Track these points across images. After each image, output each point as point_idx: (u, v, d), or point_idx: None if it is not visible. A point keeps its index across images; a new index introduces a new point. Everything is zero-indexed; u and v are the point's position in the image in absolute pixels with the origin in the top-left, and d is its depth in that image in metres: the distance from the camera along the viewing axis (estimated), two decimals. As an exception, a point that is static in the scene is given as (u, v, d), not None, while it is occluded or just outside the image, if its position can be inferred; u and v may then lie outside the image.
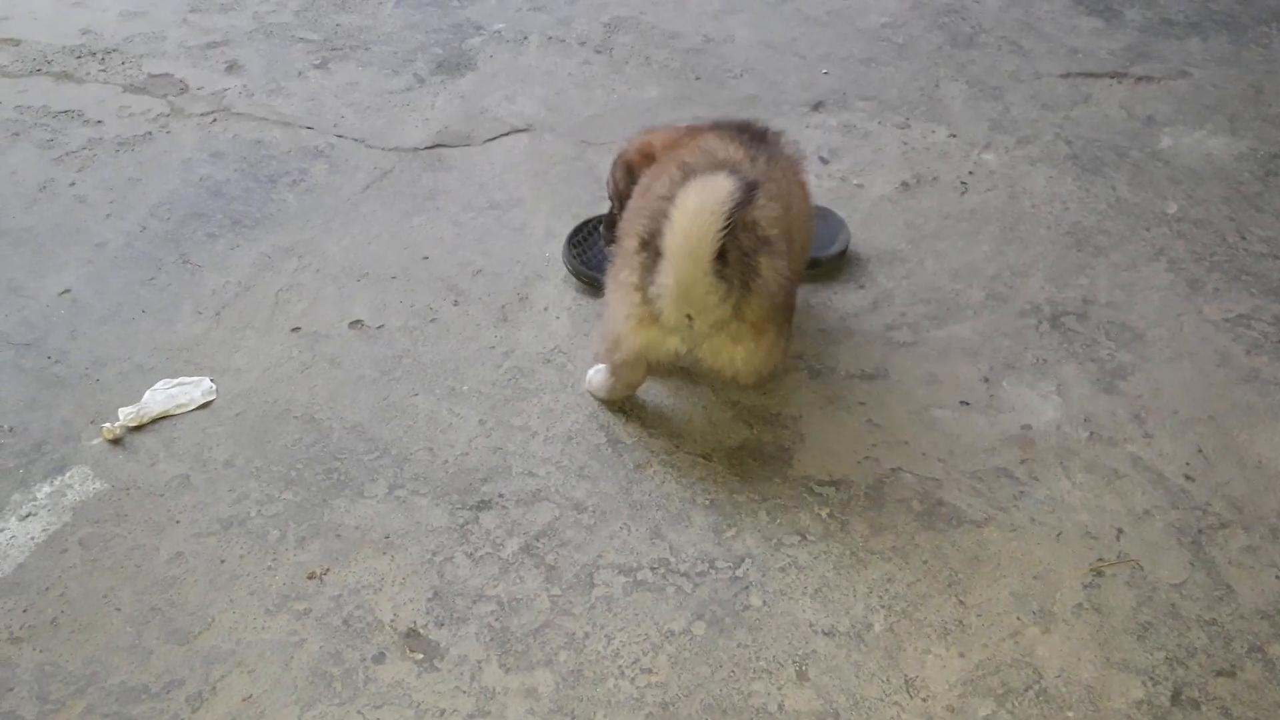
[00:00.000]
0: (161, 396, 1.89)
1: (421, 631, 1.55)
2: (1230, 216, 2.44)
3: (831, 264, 2.22)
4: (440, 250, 2.27)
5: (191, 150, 2.57)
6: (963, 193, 2.51)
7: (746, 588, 1.63)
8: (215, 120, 2.68)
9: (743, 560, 1.67)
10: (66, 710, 1.45)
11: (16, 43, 2.97)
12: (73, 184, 2.45)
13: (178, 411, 1.88)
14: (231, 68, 2.90)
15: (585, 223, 2.27)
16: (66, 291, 2.15)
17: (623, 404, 1.92)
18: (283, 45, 3.00)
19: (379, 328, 2.08)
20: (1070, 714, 1.47)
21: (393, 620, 1.57)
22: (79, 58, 2.92)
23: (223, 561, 1.65)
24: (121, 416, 1.84)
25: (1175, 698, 1.49)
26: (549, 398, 1.94)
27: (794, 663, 1.53)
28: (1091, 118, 2.80)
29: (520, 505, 1.74)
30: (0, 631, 1.55)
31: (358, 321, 2.09)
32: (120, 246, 2.27)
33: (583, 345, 2.03)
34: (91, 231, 2.31)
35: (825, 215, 2.26)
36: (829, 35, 3.14)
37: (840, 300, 2.19)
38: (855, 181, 2.54)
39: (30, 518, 1.70)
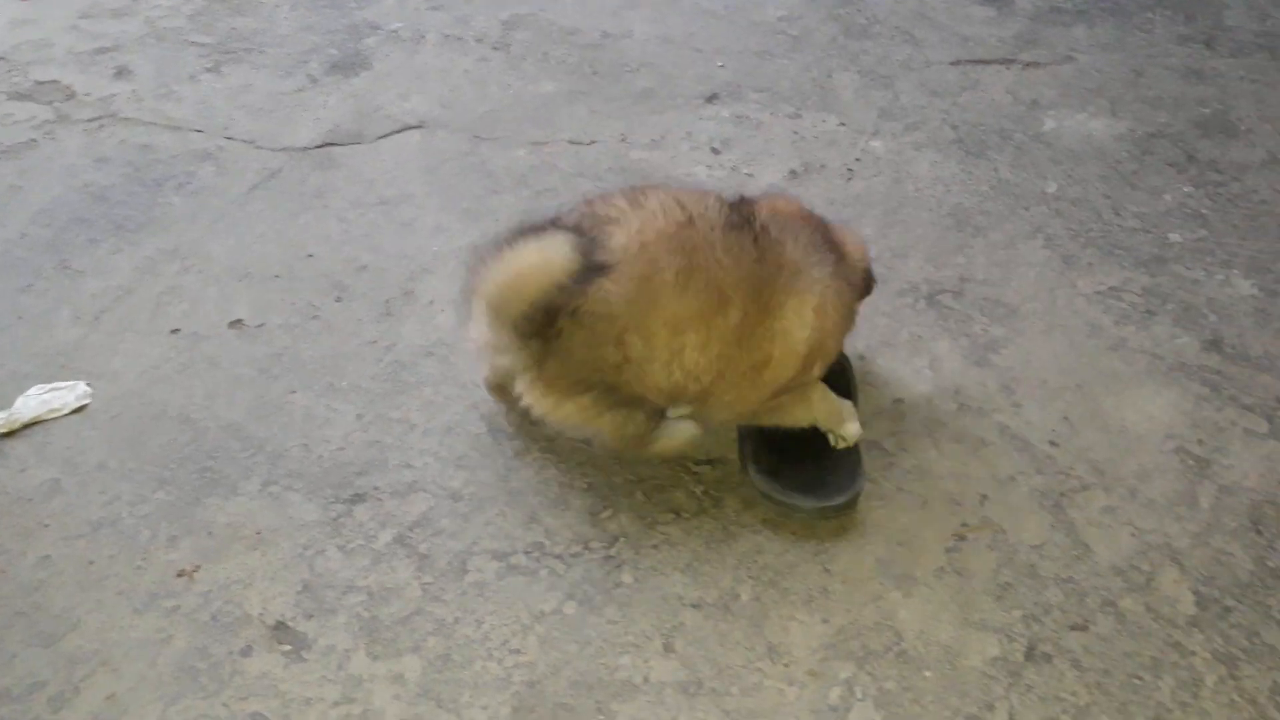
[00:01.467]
0: (34, 402, 1.87)
1: (290, 624, 1.55)
2: (1106, 194, 2.52)
3: (828, 514, 1.72)
4: (325, 248, 2.27)
5: (76, 156, 2.54)
6: (849, 179, 2.56)
7: (619, 566, 1.65)
8: (102, 126, 2.65)
9: (616, 540, 1.69)
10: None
11: (-102, 53, 2.92)
12: (-49, 193, 2.41)
13: (51, 416, 1.86)
14: (121, 73, 2.87)
15: None
16: (-60, 301, 2.12)
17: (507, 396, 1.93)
18: (174, 49, 2.98)
19: (259, 327, 2.07)
20: (928, 673, 1.51)
21: (261, 614, 1.56)
22: (-36, 67, 2.88)
23: (91, 563, 1.63)
24: (-9, 421, 1.82)
25: (1029, 653, 1.54)
26: (430, 390, 1.95)
27: (661, 635, 1.55)
28: (978, 103, 2.87)
29: (395, 497, 1.75)
30: None
31: (238, 321, 2.08)
32: (-2, 254, 2.24)
33: (464, 344, 2.04)
34: (-32, 240, 2.27)
35: (842, 459, 1.77)
36: (726, 29, 3.18)
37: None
38: (745, 171, 2.58)
39: (-109, 529, 1.67)
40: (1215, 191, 2.52)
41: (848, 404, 1.78)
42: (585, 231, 1.51)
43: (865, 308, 2.14)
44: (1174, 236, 2.38)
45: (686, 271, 1.52)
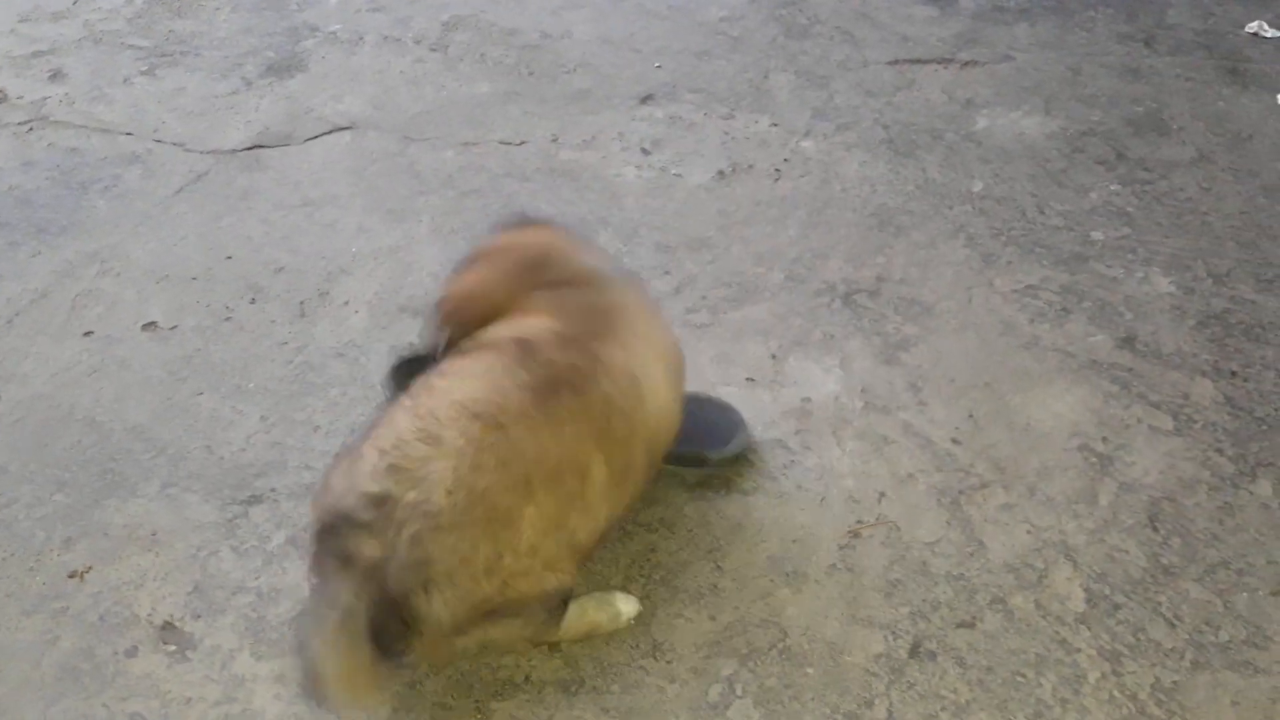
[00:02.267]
0: (-62, 405, 1.87)
1: (177, 624, 1.56)
2: (1033, 192, 2.53)
3: (724, 465, 1.79)
4: (246, 249, 2.27)
5: (3, 160, 2.55)
6: (776, 180, 2.56)
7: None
8: (31, 129, 2.65)
9: (512, 540, 1.70)
10: None
11: None
12: (-126, 197, 2.41)
13: (-46, 419, 1.86)
14: (55, 76, 2.87)
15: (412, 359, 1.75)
16: None
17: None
18: (111, 52, 2.98)
19: (172, 329, 2.07)
20: (810, 670, 1.52)
21: (150, 615, 1.57)
22: (-102, 70, 2.88)
23: (-18, 566, 1.64)
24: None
25: (914, 650, 1.55)
26: (336, 392, 1.95)
27: (546, 635, 1.55)
28: (913, 103, 2.88)
29: (292, 499, 1.75)
30: None
31: (152, 323, 2.08)
32: (-83, 257, 2.24)
33: (379, 339, 2.05)
34: (-112, 243, 2.28)
35: (723, 409, 1.85)
36: (667, 29, 3.19)
37: (647, 286, 2.22)
38: (674, 171, 2.58)
39: None
40: (1142, 189, 2.53)
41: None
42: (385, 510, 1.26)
43: (782, 308, 2.16)
44: (1096, 234, 2.39)
45: (525, 483, 1.31)
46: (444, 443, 1.27)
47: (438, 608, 1.26)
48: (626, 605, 1.58)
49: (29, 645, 1.53)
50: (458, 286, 1.57)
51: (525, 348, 1.38)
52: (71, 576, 1.62)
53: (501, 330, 1.44)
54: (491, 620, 1.33)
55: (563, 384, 1.36)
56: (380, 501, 1.24)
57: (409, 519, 1.23)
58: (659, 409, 1.47)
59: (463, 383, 1.34)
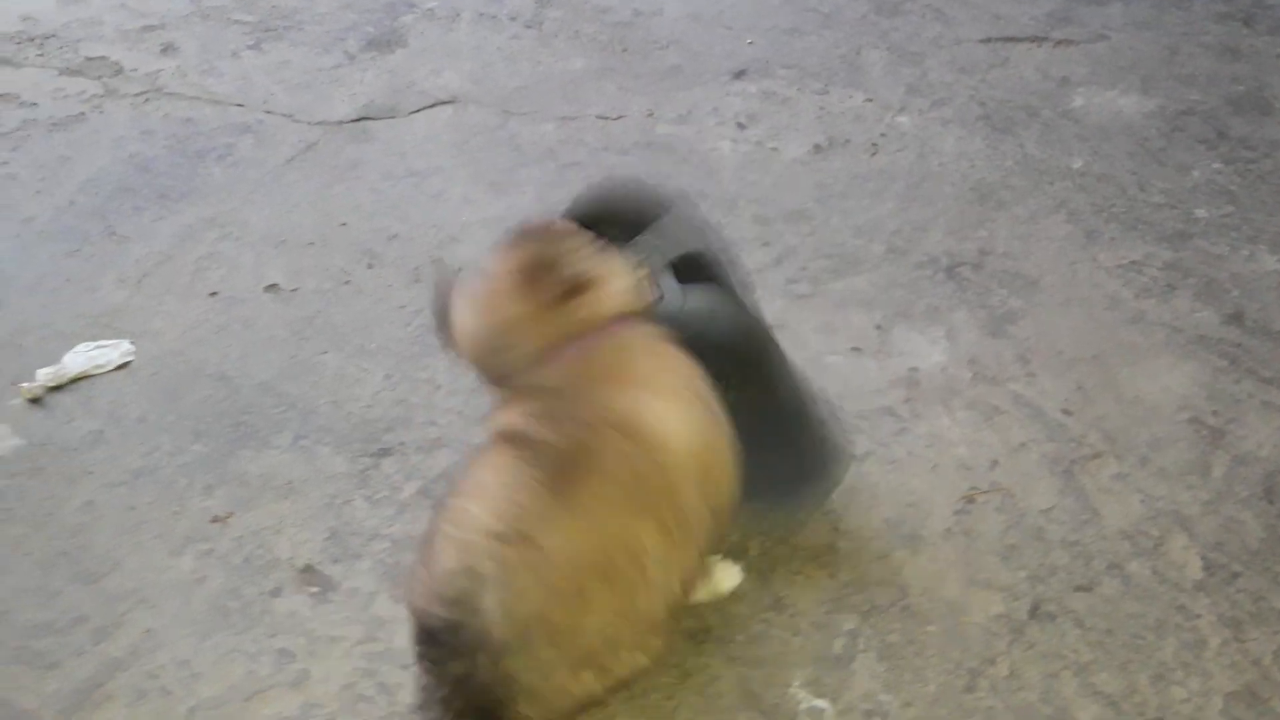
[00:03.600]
0: (81, 358, 1.96)
1: (317, 568, 1.62)
2: (1133, 170, 2.52)
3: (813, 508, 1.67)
4: (358, 217, 2.34)
5: (123, 129, 2.64)
6: (873, 154, 2.58)
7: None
8: (148, 100, 2.74)
9: (631, 497, 1.74)
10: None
11: (-44, 31, 3.03)
12: (5, 163, 2.51)
13: (96, 372, 1.95)
14: (166, 50, 2.96)
15: None
16: (-7, 264, 2.22)
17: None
18: (218, 27, 3.07)
19: (294, 291, 2.15)
20: (931, 628, 1.55)
21: (291, 558, 1.64)
22: (18, 44, 2.98)
23: (131, 509, 1.72)
24: (40, 377, 1.91)
25: (1033, 611, 1.57)
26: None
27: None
28: (1007, 80, 2.87)
29: (420, 452, 1.81)
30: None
31: (273, 285, 2.16)
32: (48, 221, 2.34)
33: (492, 303, 2.10)
34: (20, 207, 2.37)
35: (810, 444, 1.64)
36: (756, 6, 3.21)
37: (746, 257, 2.25)
38: (770, 145, 2.61)
39: (-52, 473, 1.77)
40: (1245, 168, 2.50)
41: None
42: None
43: (884, 279, 2.18)
44: (1200, 212, 2.37)
45: (576, 591, 1.22)
46: (481, 576, 1.18)
47: (537, 714, 1.24)
48: (727, 578, 1.57)
49: (179, 583, 1.61)
50: (460, 327, 1.38)
51: (519, 441, 1.26)
52: (214, 521, 1.69)
53: (495, 417, 1.34)
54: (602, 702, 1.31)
55: (575, 466, 1.23)
56: (453, 627, 1.19)
57: (480, 646, 1.18)
58: (691, 443, 1.29)
59: (478, 502, 1.24)
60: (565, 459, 1.23)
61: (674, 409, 1.30)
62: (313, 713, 1.44)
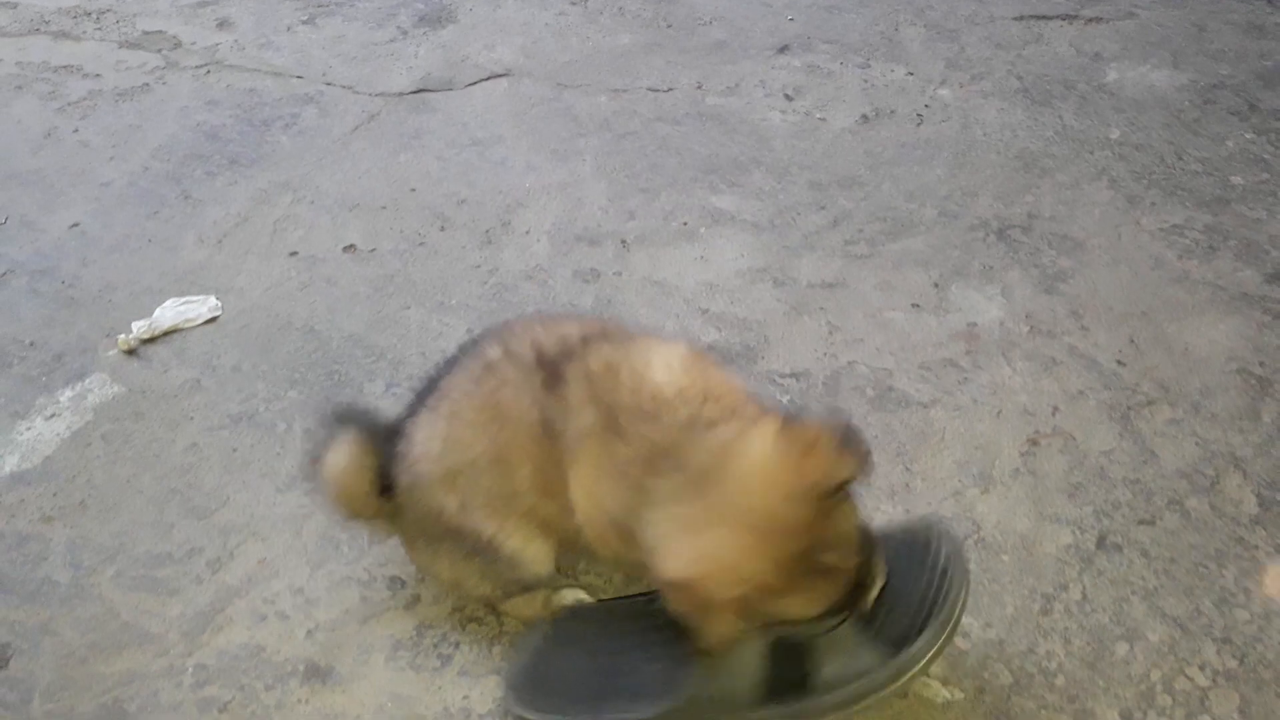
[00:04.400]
0: (171, 312, 2.03)
1: (418, 504, 1.70)
2: (1169, 140, 2.60)
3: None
4: (426, 183, 2.42)
5: (187, 99, 2.71)
6: (919, 124, 2.66)
7: (866, 442, 1.78)
8: (209, 72, 2.82)
9: (711, 441, 1.83)
10: (98, 574, 1.60)
11: (14, 5, 3.09)
12: (76, 130, 2.58)
13: (186, 325, 2.02)
14: (222, 24, 3.03)
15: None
16: (76, 225, 2.29)
17: (601, 313, 2.07)
18: (271, 4, 3.14)
19: (371, 251, 2.22)
20: (1005, 557, 1.63)
21: (392, 495, 1.71)
22: (75, 18, 3.05)
23: (234, 450, 1.80)
24: (134, 329, 1.99)
25: (1100, 542, 1.66)
26: (531, 308, 2.09)
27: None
28: (1042, 56, 2.96)
29: (506, 399, 1.89)
30: (33, 513, 1.70)
31: (351, 246, 2.24)
32: (124, 185, 2.41)
33: (562, 264, 2.19)
34: (96, 172, 2.45)
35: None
36: (794, -14, 3.29)
37: (802, 220, 2.34)
38: (818, 116, 2.69)
39: (54, 418, 1.84)
40: (1278, 138, 2.59)
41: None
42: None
43: (938, 241, 2.26)
44: (1236, 179, 2.46)
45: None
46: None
47: None
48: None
49: (287, 518, 1.68)
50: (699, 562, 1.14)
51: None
52: (316, 462, 1.77)
53: None
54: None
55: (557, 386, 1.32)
56: None
57: None
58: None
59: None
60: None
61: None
62: (427, 633, 1.52)
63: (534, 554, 1.40)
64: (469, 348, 1.45)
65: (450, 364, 1.45)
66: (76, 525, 1.68)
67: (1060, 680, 1.48)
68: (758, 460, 1.14)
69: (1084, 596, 1.58)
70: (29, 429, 1.83)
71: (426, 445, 1.38)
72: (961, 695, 1.46)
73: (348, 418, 1.50)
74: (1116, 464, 1.79)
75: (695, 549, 1.12)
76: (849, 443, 1.17)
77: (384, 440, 1.44)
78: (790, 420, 1.20)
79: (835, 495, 1.15)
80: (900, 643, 1.32)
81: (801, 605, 1.17)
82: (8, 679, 1.49)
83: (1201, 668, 1.49)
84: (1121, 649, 1.52)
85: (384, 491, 1.43)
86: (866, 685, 1.32)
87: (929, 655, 1.33)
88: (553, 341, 1.33)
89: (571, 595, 1.53)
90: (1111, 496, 1.73)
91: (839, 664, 1.30)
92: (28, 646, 1.53)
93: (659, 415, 1.22)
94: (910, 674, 1.33)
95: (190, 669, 1.50)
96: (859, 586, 1.22)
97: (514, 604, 1.50)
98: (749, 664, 1.28)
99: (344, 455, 1.45)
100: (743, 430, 1.19)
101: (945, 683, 1.47)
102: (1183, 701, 1.45)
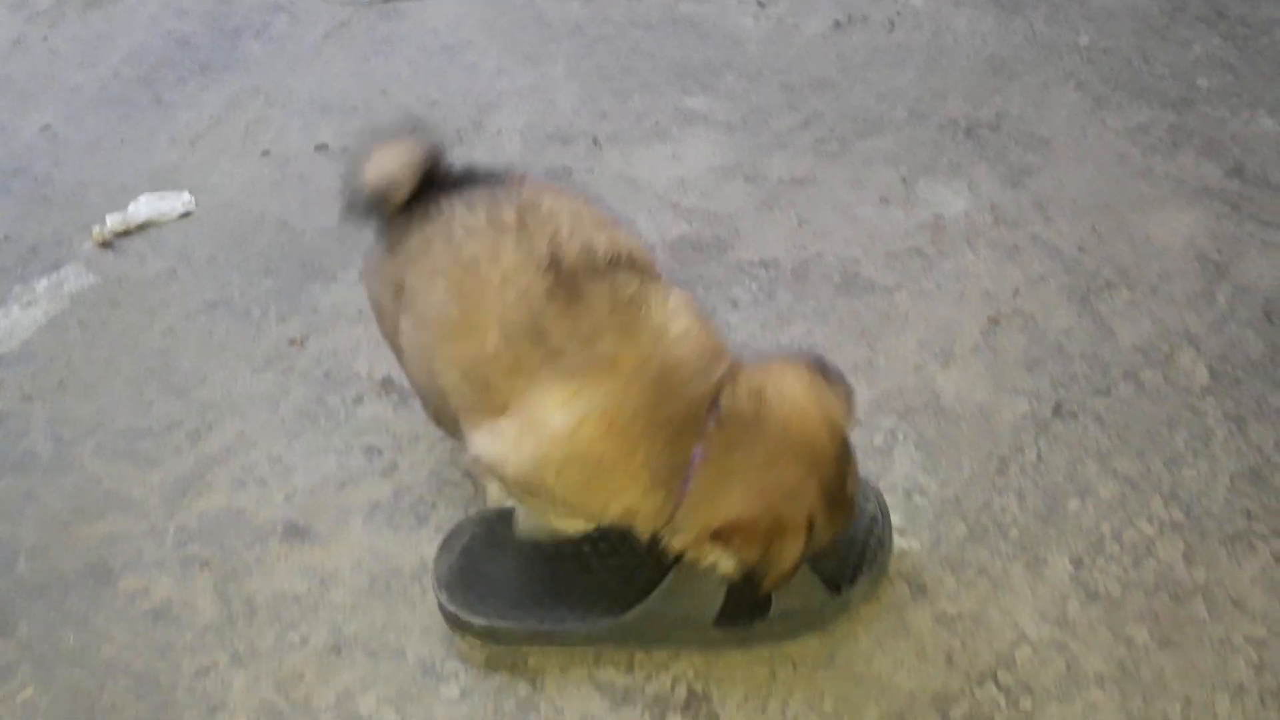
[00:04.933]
0: (145, 207, 2.05)
1: (395, 381, 1.74)
2: (1138, 46, 2.63)
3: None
4: (397, 86, 2.42)
5: (157, 8, 2.69)
6: (890, 30, 2.68)
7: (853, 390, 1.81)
8: (178, -18, 2.80)
9: (680, 323, 1.87)
10: (78, 447, 1.64)
11: (-21, -82, 3.05)
12: (45, 39, 2.57)
13: (160, 220, 2.04)
14: (191, -64, 3.00)
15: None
16: (47, 128, 2.29)
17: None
18: (240, -84, 3.10)
19: (343, 150, 2.24)
20: (963, 424, 1.69)
21: (369, 372, 1.75)
22: (41, -69, 3.01)
23: (211, 334, 1.82)
24: (109, 222, 2.00)
25: (1056, 410, 1.71)
26: (504, 203, 2.11)
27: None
28: (1014, -33, 2.96)
29: (479, 285, 1.92)
30: (12, 393, 1.73)
31: (323, 145, 2.25)
32: (95, 90, 2.41)
33: (535, 162, 2.21)
34: (67, 78, 2.44)
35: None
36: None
37: (774, 121, 2.36)
38: (791, 21, 2.70)
39: (31, 305, 1.86)
40: (1244, 44, 2.62)
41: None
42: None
43: (908, 140, 2.29)
44: (1201, 82, 2.49)
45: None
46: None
47: None
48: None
49: (265, 395, 1.72)
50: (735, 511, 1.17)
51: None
52: (292, 343, 1.80)
53: None
54: None
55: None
56: None
57: None
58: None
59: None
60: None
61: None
62: (404, 496, 1.57)
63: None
64: (498, 180, 1.34)
65: (482, 181, 1.34)
66: (56, 403, 1.71)
67: (1014, 532, 1.54)
68: (801, 399, 1.20)
69: (1039, 458, 1.64)
70: (5, 316, 1.85)
71: (399, 244, 1.33)
72: (918, 545, 1.52)
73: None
74: (1074, 341, 1.84)
75: (761, 485, 1.16)
76: (840, 381, 1.28)
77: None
78: (808, 358, 1.28)
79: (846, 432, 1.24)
80: (835, 584, 1.42)
81: (829, 532, 1.23)
82: (-8, 543, 1.53)
83: (1150, 520, 1.55)
84: (1074, 504, 1.58)
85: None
86: (814, 620, 1.42)
87: (865, 599, 1.45)
88: (575, 249, 1.22)
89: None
90: (1069, 370, 1.78)
91: (793, 599, 1.37)
92: (12, 513, 1.56)
93: (694, 368, 1.19)
94: (848, 610, 1.44)
95: (171, 530, 1.54)
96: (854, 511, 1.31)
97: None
98: (714, 589, 1.32)
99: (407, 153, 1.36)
100: (767, 375, 1.22)
101: (902, 533, 1.53)
102: (1130, 550, 1.51)
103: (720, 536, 1.17)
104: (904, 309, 1.90)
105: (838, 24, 2.68)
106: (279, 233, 2.02)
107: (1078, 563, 1.50)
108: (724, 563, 1.21)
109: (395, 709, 1.34)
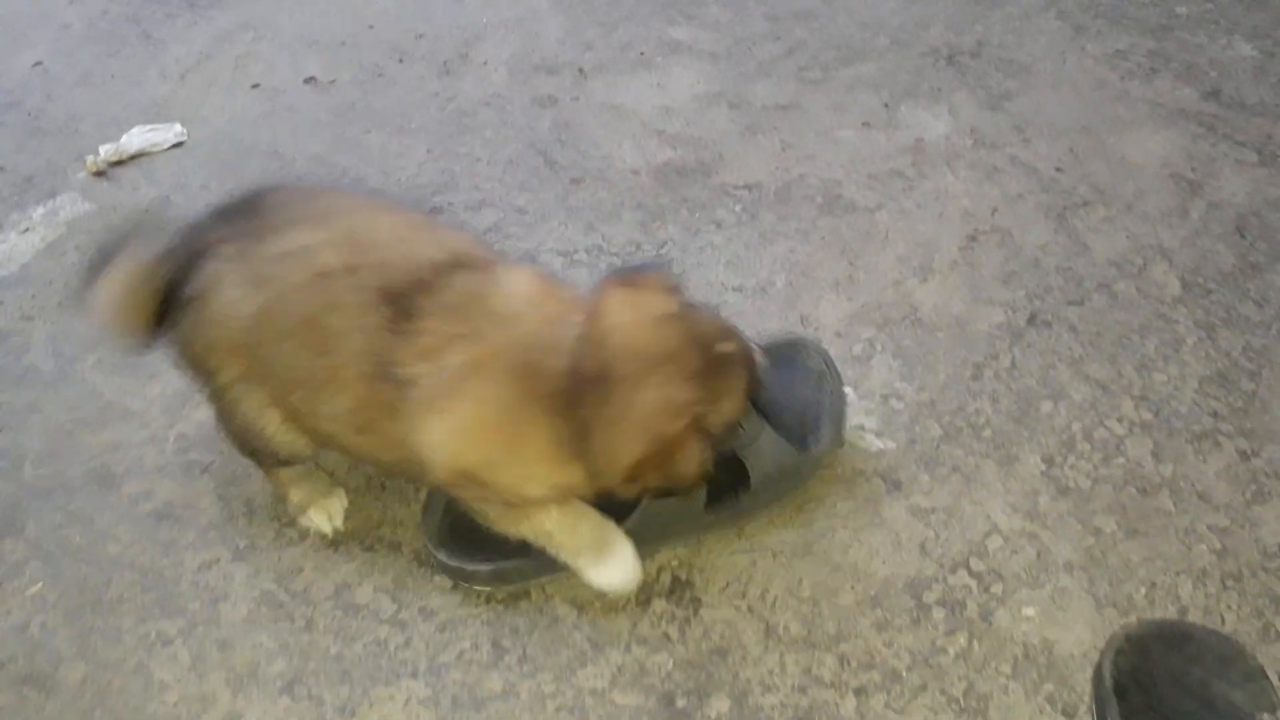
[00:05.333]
0: (137, 138, 2.08)
1: (384, 299, 1.78)
2: (1119, -24, 2.65)
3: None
4: (384, 20, 2.44)
5: (144, -54, 2.69)
6: (874, -37, 2.69)
7: (669, 261, 1.87)
8: (164, -79, 2.80)
9: (665, 243, 1.91)
10: (79, 362, 1.68)
11: None
12: (32, -23, 2.58)
13: (153, 150, 2.07)
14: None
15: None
16: (39, 64, 2.31)
17: (559, 135, 2.13)
18: None
19: (331, 82, 2.26)
20: (940, 334, 1.73)
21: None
22: (25, -126, 3.01)
23: (205, 257, 1.86)
24: (102, 152, 2.03)
25: (1031, 319, 1.76)
26: (490, 133, 2.14)
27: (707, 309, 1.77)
28: (998, -99, 2.97)
29: (469, 210, 1.96)
30: (13, 313, 1.77)
31: (312, 78, 2.27)
32: (85, 27, 2.42)
33: (520, 92, 2.23)
34: (56, 16, 2.46)
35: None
36: None
37: (758, 50, 2.39)
38: (774, -44, 2.71)
39: (28, 232, 1.90)
40: (1224, -28, 2.64)
41: (619, 543, 1.36)
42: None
43: (890, 66, 2.31)
44: (1180, 9, 2.51)
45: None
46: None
47: None
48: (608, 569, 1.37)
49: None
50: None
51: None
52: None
53: None
54: None
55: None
56: None
57: None
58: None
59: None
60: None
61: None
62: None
63: (291, 446, 1.34)
64: (293, 201, 1.29)
65: (275, 202, 1.29)
66: (56, 322, 1.75)
67: (988, 432, 1.59)
68: (618, 321, 1.17)
69: (1013, 364, 1.69)
70: (3, 242, 1.89)
71: (234, 308, 1.24)
72: (894, 445, 1.57)
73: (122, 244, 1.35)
74: (1050, 255, 1.88)
75: (633, 421, 1.14)
76: (649, 270, 1.25)
77: (170, 262, 1.29)
78: (610, 279, 1.23)
79: (684, 306, 1.22)
80: (802, 441, 1.47)
81: (733, 401, 1.23)
82: (-2, 451, 1.58)
83: (1119, 420, 1.60)
84: (1046, 406, 1.63)
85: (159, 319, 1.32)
86: (792, 477, 1.47)
87: (833, 447, 1.52)
88: (402, 272, 1.19)
89: (325, 515, 1.47)
90: (1044, 282, 1.83)
91: (767, 464, 1.43)
92: (16, 423, 1.61)
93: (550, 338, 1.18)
94: (820, 464, 1.50)
95: (172, 438, 1.59)
96: (754, 364, 1.29)
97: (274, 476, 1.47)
98: None
99: (119, 284, 1.31)
100: (583, 310, 1.19)
101: (879, 435, 1.58)
102: (1100, 448, 1.57)
103: (631, 480, 1.17)
104: (884, 227, 1.95)
105: (821, -42, 2.69)
106: (270, 160, 2.05)
107: (1049, 460, 1.56)
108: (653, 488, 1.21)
109: (391, 598, 1.40)
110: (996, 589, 1.42)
